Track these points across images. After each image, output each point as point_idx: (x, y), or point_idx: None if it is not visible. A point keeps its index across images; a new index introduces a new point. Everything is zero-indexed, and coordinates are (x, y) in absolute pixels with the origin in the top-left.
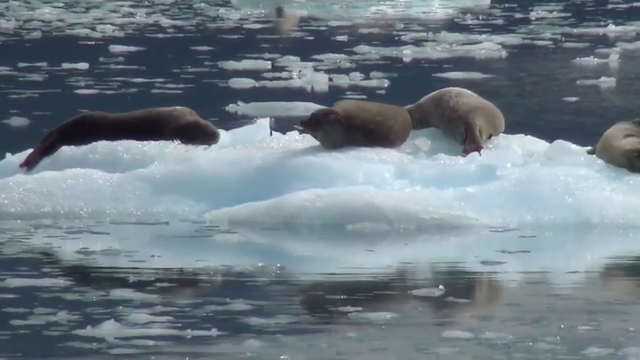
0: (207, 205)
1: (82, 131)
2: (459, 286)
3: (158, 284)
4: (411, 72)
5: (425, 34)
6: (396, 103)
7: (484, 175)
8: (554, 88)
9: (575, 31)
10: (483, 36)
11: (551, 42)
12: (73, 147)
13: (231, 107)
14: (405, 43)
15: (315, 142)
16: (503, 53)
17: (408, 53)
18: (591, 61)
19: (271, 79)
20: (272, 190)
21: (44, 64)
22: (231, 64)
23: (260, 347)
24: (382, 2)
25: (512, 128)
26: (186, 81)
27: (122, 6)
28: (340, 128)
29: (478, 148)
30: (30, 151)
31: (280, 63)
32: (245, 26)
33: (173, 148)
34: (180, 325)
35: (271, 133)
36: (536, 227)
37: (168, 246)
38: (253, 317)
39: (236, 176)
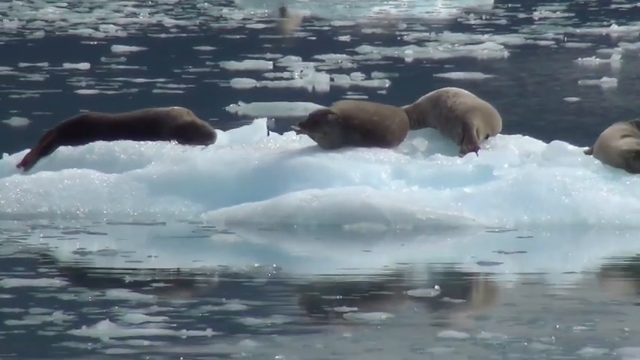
0: (204, 206)
1: (80, 131)
2: (455, 287)
3: (154, 284)
4: (412, 72)
5: (427, 34)
6: (397, 103)
7: (481, 176)
8: (555, 89)
9: (577, 31)
10: (486, 36)
11: (554, 42)
12: (70, 147)
13: (231, 107)
14: (408, 43)
15: (313, 143)
16: (506, 53)
17: (410, 53)
18: (593, 61)
19: (272, 79)
20: (269, 191)
21: (45, 64)
22: (232, 64)
23: (255, 347)
24: (385, 2)
25: (512, 128)
26: (187, 81)
27: (125, 6)
28: (338, 128)
29: (475, 149)
30: (27, 151)
31: (282, 63)
32: (248, 26)
33: (170, 148)
34: (175, 325)
35: (268, 134)
36: (532, 228)
37: (165, 246)
38: (249, 317)
39: (233, 176)
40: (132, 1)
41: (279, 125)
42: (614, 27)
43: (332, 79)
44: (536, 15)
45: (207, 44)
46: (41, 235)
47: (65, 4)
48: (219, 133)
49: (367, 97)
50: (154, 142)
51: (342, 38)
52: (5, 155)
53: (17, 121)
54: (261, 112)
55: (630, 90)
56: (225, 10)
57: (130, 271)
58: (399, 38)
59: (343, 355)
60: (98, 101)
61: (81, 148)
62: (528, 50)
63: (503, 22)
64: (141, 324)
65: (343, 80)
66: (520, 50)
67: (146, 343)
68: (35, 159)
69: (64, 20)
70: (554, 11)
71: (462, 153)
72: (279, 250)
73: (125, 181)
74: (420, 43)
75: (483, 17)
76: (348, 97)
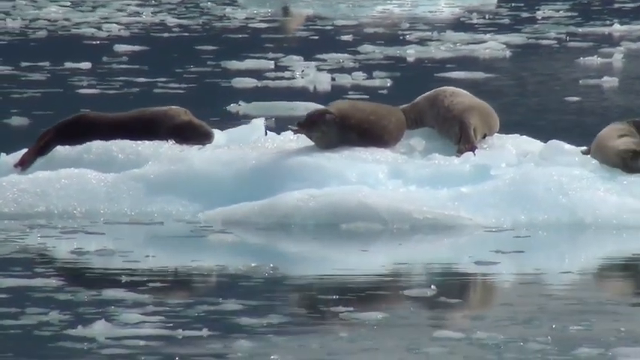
0: (202, 205)
1: (78, 131)
2: (452, 287)
3: (151, 284)
4: (413, 72)
5: (430, 33)
6: (398, 102)
7: (478, 175)
8: (556, 88)
9: (580, 30)
10: (488, 35)
11: (556, 41)
12: (67, 147)
13: (232, 107)
14: (410, 43)
15: (310, 142)
16: (508, 53)
17: (411, 53)
18: (595, 60)
19: (274, 79)
20: (266, 190)
21: (47, 63)
22: (234, 64)
23: (251, 347)
24: (389, 1)
25: (512, 128)
26: (188, 80)
27: (129, 5)
28: (336, 128)
29: (472, 148)
30: (25, 151)
31: (283, 62)
32: (251, 25)
33: (167, 148)
34: (171, 325)
35: (266, 133)
36: (530, 227)
37: (162, 246)
38: (244, 317)
39: (230, 176)
40: (135, 0)
41: (280, 125)
42: (617, 26)
43: (333, 79)
44: (539, 14)
45: (209, 44)
46: (38, 235)
47: (68, 4)
48: (216, 132)
49: (368, 96)
50: (152, 142)
51: (345, 37)
52: (3, 155)
53: (17, 121)
54: (261, 111)
55: (631, 89)
56: (228, 10)
57: (127, 271)
58: (401, 38)
59: (339, 355)
60: (99, 101)
61: (78, 148)
62: (530, 50)
63: (506, 21)
64: (137, 324)
65: (344, 80)
66: (522, 50)
67: (142, 343)
68: (32, 159)
69: (66, 19)
70: (558, 10)
71: (460, 152)
72: (276, 249)
73: (122, 180)
74: (422, 42)
75: (486, 16)
76: (349, 96)
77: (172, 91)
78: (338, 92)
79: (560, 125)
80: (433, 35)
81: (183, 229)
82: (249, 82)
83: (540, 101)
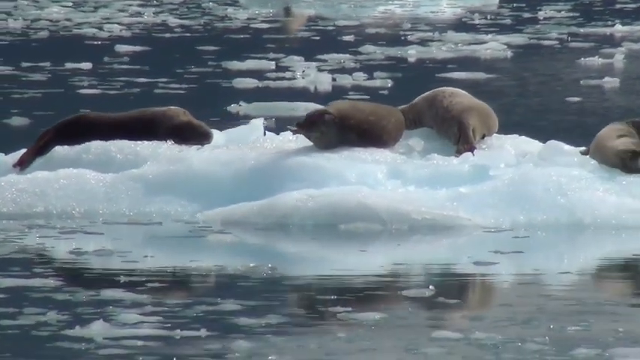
0: (200, 206)
1: (77, 131)
2: (451, 287)
3: (149, 284)
4: (414, 72)
5: (431, 33)
6: (399, 103)
7: (477, 176)
8: (557, 88)
9: (581, 30)
10: (489, 36)
11: (557, 42)
12: (66, 147)
13: (233, 107)
14: (411, 43)
15: (309, 143)
16: (509, 53)
17: (412, 53)
18: (596, 61)
19: (274, 79)
20: (265, 191)
21: (48, 63)
22: (235, 64)
23: (249, 348)
24: (390, 2)
25: (513, 128)
26: (189, 81)
27: (130, 5)
28: (335, 129)
29: (471, 149)
30: (24, 151)
31: (284, 63)
32: (252, 26)
33: (166, 148)
34: (169, 325)
35: (265, 134)
36: (528, 228)
37: (160, 246)
38: (243, 317)
39: (229, 176)
40: (137, 1)
41: (279, 125)
42: (618, 27)
43: (334, 79)
44: (541, 15)
45: (210, 44)
46: (37, 235)
47: (70, 4)
48: (215, 133)
49: (369, 97)
50: (150, 142)
51: (346, 38)
52: (1, 155)
53: (18, 121)
54: (262, 112)
55: (632, 90)
56: (230, 10)
57: (126, 271)
58: (402, 38)
59: (337, 355)
60: (100, 101)
61: (77, 148)
62: (532, 50)
63: (508, 21)
64: (135, 324)
65: (345, 80)
66: (523, 50)
67: (140, 343)
68: (31, 159)
69: (68, 20)
70: (559, 11)
71: (458, 153)
72: (274, 250)
73: (121, 180)
74: (423, 43)
75: (488, 17)
76: (350, 97)
77: (173, 92)
78: (339, 93)
79: (561, 126)
80: (434, 36)
81: (181, 230)
82: (250, 83)
83: (541, 102)
